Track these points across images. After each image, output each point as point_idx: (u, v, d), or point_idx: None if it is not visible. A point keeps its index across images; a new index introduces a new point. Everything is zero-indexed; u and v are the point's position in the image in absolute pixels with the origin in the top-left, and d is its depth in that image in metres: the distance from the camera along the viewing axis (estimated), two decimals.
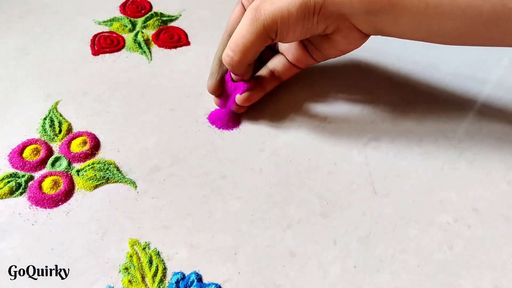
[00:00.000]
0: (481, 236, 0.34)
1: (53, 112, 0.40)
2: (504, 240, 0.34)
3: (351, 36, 0.35)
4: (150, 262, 0.32)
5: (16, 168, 0.36)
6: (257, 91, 0.39)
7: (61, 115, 0.40)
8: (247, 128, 0.40)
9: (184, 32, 0.49)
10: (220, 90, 0.39)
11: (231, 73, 0.38)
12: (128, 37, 0.48)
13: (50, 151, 0.38)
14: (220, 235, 0.33)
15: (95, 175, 0.36)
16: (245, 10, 0.36)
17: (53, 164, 0.37)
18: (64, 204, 0.35)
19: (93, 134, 0.39)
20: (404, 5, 0.32)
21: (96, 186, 0.36)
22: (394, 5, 0.32)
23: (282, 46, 0.40)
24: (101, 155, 0.38)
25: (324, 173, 0.37)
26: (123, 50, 0.46)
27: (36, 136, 0.39)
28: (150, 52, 0.46)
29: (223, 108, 0.40)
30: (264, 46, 0.35)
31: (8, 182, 0.35)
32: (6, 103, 0.41)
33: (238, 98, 0.38)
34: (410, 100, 0.42)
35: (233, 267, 0.32)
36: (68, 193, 0.35)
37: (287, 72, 0.40)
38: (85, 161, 0.37)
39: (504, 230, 0.34)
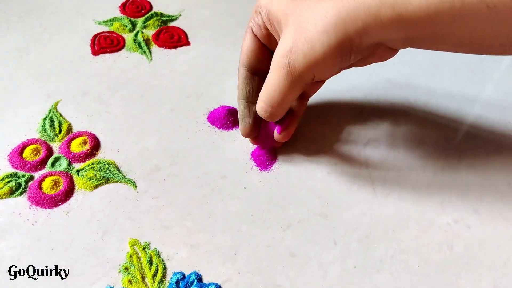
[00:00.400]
0: (481, 237, 0.34)
1: (53, 112, 0.40)
2: (504, 240, 0.34)
3: (385, 55, 0.33)
4: (150, 262, 0.32)
5: (16, 168, 0.36)
6: (294, 122, 0.37)
7: (61, 115, 0.40)
8: None
9: (184, 32, 0.49)
10: (256, 132, 0.37)
11: None
12: (128, 37, 0.48)
13: (50, 151, 0.38)
14: (220, 235, 0.33)
15: (95, 175, 0.36)
16: (256, 38, 0.35)
17: (53, 164, 0.37)
18: (64, 204, 0.35)
19: (93, 134, 0.39)
20: (446, 35, 0.29)
21: (96, 186, 0.36)
22: (436, 34, 0.29)
23: None
24: (101, 155, 0.38)
25: (324, 173, 0.37)
26: (123, 50, 0.46)
27: (36, 136, 0.39)
28: (150, 52, 0.46)
29: (262, 145, 0.38)
30: (300, 92, 0.33)
31: (8, 182, 0.35)
32: (6, 103, 0.41)
33: (279, 137, 0.36)
34: (410, 101, 0.42)
35: (233, 267, 0.32)
36: (68, 193, 0.35)
37: (314, 88, 0.38)
38: (85, 161, 0.37)
39: (504, 231, 0.34)
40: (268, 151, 0.38)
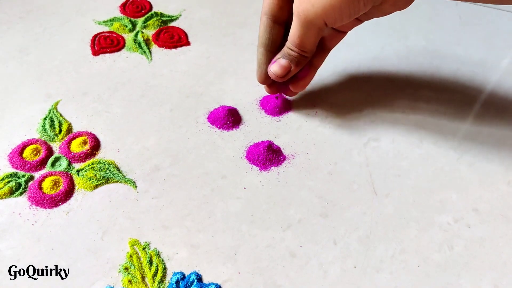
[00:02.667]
0: (481, 236, 0.34)
1: (53, 112, 0.40)
2: (504, 240, 0.34)
3: (399, 2, 0.33)
4: (150, 262, 0.32)
5: (16, 168, 0.36)
6: (311, 72, 0.39)
7: (61, 115, 0.40)
8: (247, 128, 0.40)
9: (184, 32, 0.49)
10: (270, 79, 0.38)
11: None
12: (128, 37, 0.48)
13: (50, 151, 0.38)
14: (220, 235, 0.33)
15: (95, 175, 0.36)
16: (270, 21, 0.36)
17: (53, 164, 0.37)
18: (64, 204, 0.35)
19: (93, 134, 0.39)
20: None
21: (96, 186, 0.36)
22: None
23: None
24: (101, 155, 0.38)
25: (324, 173, 0.37)
26: (123, 50, 0.46)
27: (36, 136, 0.39)
28: (150, 52, 0.46)
29: (275, 95, 0.40)
30: (317, 37, 0.35)
31: (8, 182, 0.35)
32: (6, 103, 0.41)
33: (296, 86, 0.38)
34: (410, 101, 0.42)
35: (233, 267, 0.32)
36: (68, 193, 0.35)
37: (334, 40, 0.38)
38: (85, 161, 0.37)
39: (504, 230, 0.34)
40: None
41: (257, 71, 0.39)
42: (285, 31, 0.37)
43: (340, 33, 0.38)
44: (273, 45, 0.37)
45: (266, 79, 0.38)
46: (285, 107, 0.41)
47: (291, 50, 0.35)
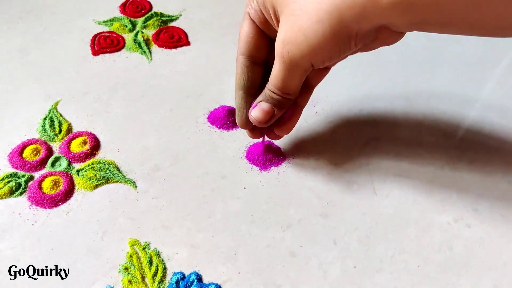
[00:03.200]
0: (481, 236, 0.34)
1: (53, 112, 0.40)
2: (504, 240, 0.34)
3: (390, 39, 0.31)
4: (150, 262, 0.32)
5: (16, 168, 0.36)
6: (296, 113, 0.35)
7: (61, 115, 0.40)
8: None
9: (184, 32, 0.49)
10: (251, 123, 0.35)
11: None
12: (128, 37, 0.48)
13: (50, 151, 0.38)
14: (220, 235, 0.33)
15: (95, 175, 0.36)
16: (255, 24, 0.33)
17: (53, 164, 0.37)
18: (64, 204, 0.35)
19: (93, 134, 0.39)
20: (456, 18, 0.27)
21: (96, 186, 0.36)
22: (444, 18, 0.27)
23: None
24: (101, 155, 0.38)
25: (324, 173, 0.37)
26: (123, 50, 0.46)
27: (36, 136, 0.39)
28: (150, 52, 0.46)
29: (258, 138, 0.37)
30: (302, 79, 0.32)
31: (8, 182, 0.35)
32: (6, 103, 0.41)
33: (281, 130, 0.35)
34: (411, 100, 0.42)
35: (233, 267, 0.32)
36: (68, 193, 0.35)
37: (319, 77, 0.36)
38: (85, 161, 0.37)
39: (504, 230, 0.34)
40: (265, 150, 0.38)
41: (237, 115, 0.35)
42: (265, 71, 0.34)
43: (324, 70, 0.35)
44: (253, 88, 0.34)
45: (247, 124, 0.35)
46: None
47: (273, 93, 0.32)
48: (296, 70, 0.30)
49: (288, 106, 0.33)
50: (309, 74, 0.33)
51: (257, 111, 0.33)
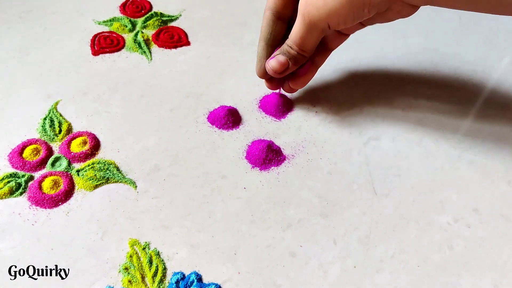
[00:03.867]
0: (481, 236, 0.34)
1: (53, 112, 0.40)
2: (504, 240, 0.34)
3: (403, 11, 0.34)
4: (150, 262, 0.32)
5: (16, 168, 0.36)
6: (312, 70, 0.39)
7: (61, 115, 0.40)
8: (246, 128, 0.40)
9: (184, 32, 0.49)
10: (267, 74, 0.39)
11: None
12: (128, 37, 0.48)
13: (50, 151, 0.38)
14: (220, 235, 0.33)
15: (95, 175, 0.36)
16: (273, 16, 0.37)
17: (53, 164, 0.37)
18: (64, 204, 0.35)
19: (93, 134, 0.39)
20: None
21: (96, 186, 0.36)
22: None
23: None
24: (101, 155, 0.38)
25: (324, 173, 0.37)
26: (123, 50, 0.46)
27: (36, 136, 0.39)
28: (150, 52, 0.46)
29: (275, 89, 0.41)
30: (319, 38, 0.35)
31: (8, 182, 0.35)
32: (6, 103, 0.41)
33: (296, 83, 0.39)
34: (411, 100, 0.42)
35: (233, 267, 0.32)
36: (68, 193, 0.35)
37: (337, 41, 0.39)
38: (85, 161, 0.37)
39: (504, 230, 0.34)
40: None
41: (257, 64, 0.39)
42: (288, 28, 0.38)
43: (342, 35, 0.38)
44: (275, 40, 0.38)
45: (264, 74, 0.39)
46: (286, 107, 0.41)
47: (291, 48, 0.36)
48: (314, 30, 0.34)
49: (302, 63, 0.37)
50: (328, 37, 0.38)
51: (274, 62, 0.37)
